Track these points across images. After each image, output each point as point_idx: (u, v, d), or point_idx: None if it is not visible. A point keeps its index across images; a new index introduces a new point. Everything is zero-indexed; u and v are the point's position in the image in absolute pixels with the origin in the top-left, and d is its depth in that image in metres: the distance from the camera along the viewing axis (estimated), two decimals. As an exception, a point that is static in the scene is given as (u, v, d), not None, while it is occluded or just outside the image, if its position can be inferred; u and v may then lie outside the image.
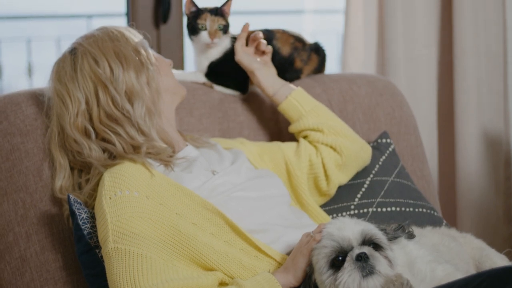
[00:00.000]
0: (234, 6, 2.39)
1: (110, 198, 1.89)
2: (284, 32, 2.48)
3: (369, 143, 2.46)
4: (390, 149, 2.47)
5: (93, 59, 2.05)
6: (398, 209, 2.34)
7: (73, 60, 2.07)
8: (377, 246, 1.78)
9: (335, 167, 2.30)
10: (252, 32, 2.37)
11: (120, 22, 3.37)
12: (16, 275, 2.09)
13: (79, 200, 2.01)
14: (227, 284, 1.88)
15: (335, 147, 2.30)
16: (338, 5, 3.68)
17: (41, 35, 5.98)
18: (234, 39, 2.39)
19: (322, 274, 1.77)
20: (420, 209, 2.37)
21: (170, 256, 1.85)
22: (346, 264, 1.74)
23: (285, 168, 2.28)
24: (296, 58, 2.50)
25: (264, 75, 2.34)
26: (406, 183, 2.42)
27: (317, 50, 2.55)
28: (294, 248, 1.88)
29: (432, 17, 3.22)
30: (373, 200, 2.34)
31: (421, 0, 3.18)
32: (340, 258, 1.76)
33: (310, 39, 2.54)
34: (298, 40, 2.49)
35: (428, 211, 2.38)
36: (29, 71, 5.86)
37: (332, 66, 4.42)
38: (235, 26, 2.40)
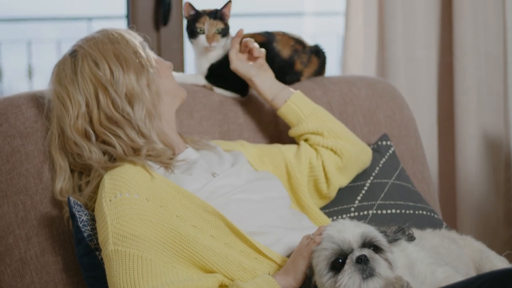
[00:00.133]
0: (234, 9, 2.39)
1: (110, 200, 1.89)
2: (284, 35, 2.48)
3: (369, 145, 2.47)
4: (390, 151, 2.47)
5: (93, 61, 2.05)
6: (398, 211, 2.34)
7: (73, 62, 2.07)
8: (377, 249, 1.78)
9: (335, 169, 2.30)
10: (245, 36, 2.37)
11: (120, 25, 3.38)
12: (16, 277, 2.09)
13: (79, 203, 2.01)
14: (227, 286, 1.88)
15: (336, 150, 2.30)
16: (338, 7, 3.68)
17: (41, 37, 5.98)
18: (234, 40, 2.39)
19: (322, 277, 1.77)
20: (420, 211, 2.37)
21: (170, 258, 1.86)
22: (346, 267, 1.74)
23: (285, 170, 2.27)
24: (296, 61, 2.50)
25: (262, 80, 2.33)
26: (406, 186, 2.42)
27: (317, 53, 2.55)
28: (294, 251, 1.88)
29: (432, 19, 3.22)
30: (373, 202, 2.34)
31: (421, 2, 3.18)
32: (340, 260, 1.76)
33: (310, 41, 2.54)
34: (298, 42, 2.49)
35: (428, 213, 2.38)
36: (30, 73, 5.86)
37: (332, 68, 4.42)
38: (236, 28, 2.40)
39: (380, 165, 2.42)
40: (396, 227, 1.88)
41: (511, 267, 1.66)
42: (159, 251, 1.84)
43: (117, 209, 1.87)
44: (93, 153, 2.03)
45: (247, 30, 2.47)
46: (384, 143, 2.48)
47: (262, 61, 2.34)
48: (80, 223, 1.97)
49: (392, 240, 1.84)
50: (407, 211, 2.35)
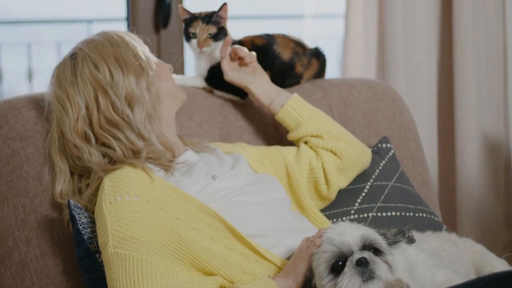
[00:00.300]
0: (235, 11, 2.39)
1: (110, 203, 1.89)
2: (284, 37, 2.48)
3: (369, 147, 2.46)
4: (390, 154, 2.47)
5: (93, 64, 2.05)
6: (398, 213, 2.34)
7: (73, 65, 2.07)
8: (377, 251, 1.78)
9: (335, 171, 2.30)
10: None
11: (120, 27, 3.38)
12: (16, 279, 2.09)
13: (79, 205, 2.01)
14: (227, 289, 1.88)
15: (335, 151, 2.30)
16: (338, 9, 3.68)
17: (41, 39, 5.98)
18: (234, 43, 2.39)
19: (322, 279, 1.77)
20: (420, 214, 2.37)
21: (170, 260, 1.85)
22: (346, 269, 1.74)
23: (285, 172, 2.27)
24: (297, 63, 2.50)
25: (258, 86, 2.33)
26: (406, 188, 2.41)
27: (318, 55, 2.55)
28: (294, 253, 1.87)
29: (432, 21, 3.22)
30: (373, 205, 2.34)
31: (421, 4, 3.19)
32: (340, 263, 1.76)
33: (310, 43, 2.54)
34: (299, 45, 2.49)
35: (428, 215, 2.38)
36: (30, 75, 5.86)
37: (332, 71, 4.42)
38: (236, 30, 2.40)
39: (380, 168, 2.42)
40: (396, 229, 1.87)
41: (511, 270, 1.66)
42: (159, 253, 1.84)
43: (117, 211, 1.87)
44: (93, 156, 2.03)
45: (247, 33, 2.47)
46: (384, 145, 2.48)
47: (255, 64, 2.33)
48: (80, 225, 1.97)
49: (392, 243, 1.84)
50: (407, 214, 2.35)
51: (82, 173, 2.08)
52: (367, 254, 1.75)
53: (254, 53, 2.32)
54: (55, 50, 5.74)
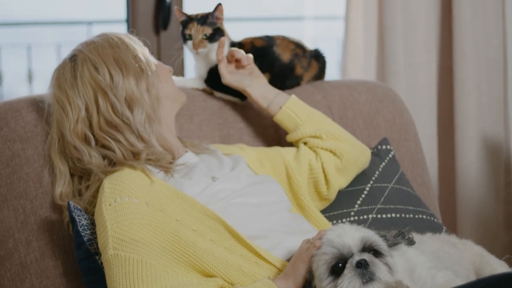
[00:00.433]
0: (235, 13, 2.39)
1: (110, 204, 1.89)
2: (284, 39, 2.48)
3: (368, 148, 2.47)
4: (390, 155, 2.47)
5: (93, 66, 2.05)
6: (398, 215, 2.34)
7: (73, 67, 2.07)
8: (377, 253, 1.78)
9: (335, 171, 2.30)
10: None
11: (120, 29, 3.38)
12: (16, 281, 2.09)
13: (79, 207, 2.01)
14: (227, 291, 1.88)
15: (335, 151, 2.30)
16: (338, 11, 3.68)
17: (41, 41, 5.97)
18: (234, 45, 2.39)
19: (322, 281, 1.77)
20: (420, 216, 2.37)
21: (170, 262, 1.85)
22: (346, 271, 1.74)
23: (285, 173, 2.27)
24: (297, 65, 2.50)
25: (255, 89, 2.33)
26: (406, 190, 2.42)
27: (317, 57, 2.55)
28: (294, 255, 1.87)
29: (432, 23, 3.22)
30: (373, 206, 2.34)
31: (421, 6, 3.19)
32: (340, 264, 1.76)
33: (310, 45, 2.54)
34: (299, 46, 2.50)
35: (428, 217, 2.38)
36: (30, 77, 5.86)
37: (332, 72, 4.42)
38: (236, 32, 2.40)
39: (380, 169, 2.42)
40: (396, 231, 1.88)
41: (510, 271, 1.66)
42: (159, 255, 1.84)
43: (117, 213, 1.87)
44: (92, 158, 2.03)
45: (247, 34, 2.47)
46: (384, 147, 2.48)
47: (252, 66, 2.33)
48: (80, 227, 1.97)
49: (392, 244, 1.84)
50: (407, 215, 2.35)
51: (82, 175, 2.08)
52: (367, 256, 1.75)
53: (250, 55, 2.32)
54: (55, 52, 5.74)
